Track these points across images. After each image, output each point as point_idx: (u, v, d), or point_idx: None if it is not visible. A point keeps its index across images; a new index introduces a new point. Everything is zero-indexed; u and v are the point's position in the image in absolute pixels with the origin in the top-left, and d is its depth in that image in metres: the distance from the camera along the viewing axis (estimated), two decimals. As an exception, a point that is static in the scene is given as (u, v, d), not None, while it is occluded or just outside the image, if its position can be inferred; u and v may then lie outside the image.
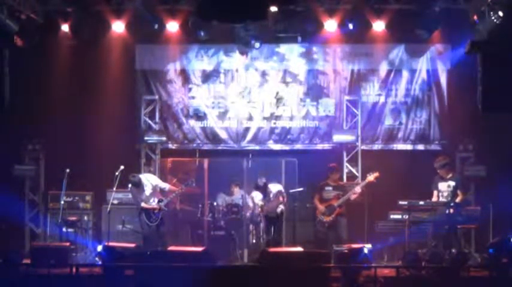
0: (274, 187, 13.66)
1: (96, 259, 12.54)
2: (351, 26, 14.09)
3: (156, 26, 14.15)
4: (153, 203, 13.07)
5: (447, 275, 11.47)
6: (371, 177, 13.31)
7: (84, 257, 13.35)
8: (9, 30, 12.66)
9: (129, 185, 13.16)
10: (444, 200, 12.74)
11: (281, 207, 13.50)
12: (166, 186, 13.38)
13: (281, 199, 13.52)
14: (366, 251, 11.85)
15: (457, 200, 12.65)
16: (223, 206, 13.90)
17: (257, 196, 13.72)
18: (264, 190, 13.68)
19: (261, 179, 13.74)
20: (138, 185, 13.10)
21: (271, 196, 13.58)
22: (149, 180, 13.28)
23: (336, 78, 15.16)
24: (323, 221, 13.32)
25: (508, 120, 13.27)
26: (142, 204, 13.05)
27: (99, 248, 12.38)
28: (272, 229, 13.48)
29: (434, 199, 12.89)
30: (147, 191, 13.13)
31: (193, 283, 10.87)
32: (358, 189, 13.33)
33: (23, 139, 14.37)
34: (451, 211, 12.43)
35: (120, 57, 14.83)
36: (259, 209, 13.59)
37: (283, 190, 13.70)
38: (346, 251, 12.06)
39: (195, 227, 14.17)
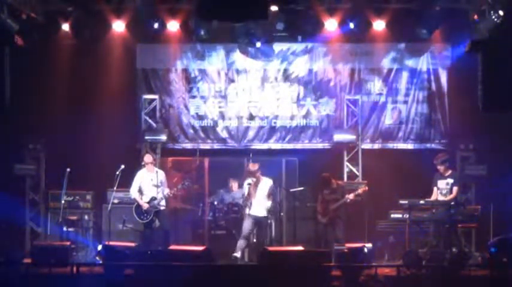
0: (267, 183, 13.00)
1: (97, 258, 12.54)
2: (351, 25, 14.16)
3: (156, 25, 14.18)
4: (146, 199, 13.05)
5: (447, 274, 11.47)
6: (360, 190, 13.37)
7: (85, 256, 13.37)
8: (9, 30, 12.64)
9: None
10: (443, 197, 12.75)
11: (269, 206, 12.95)
12: (167, 191, 13.21)
13: (271, 200, 13.00)
14: (366, 250, 11.86)
15: (451, 196, 12.67)
16: (223, 205, 13.89)
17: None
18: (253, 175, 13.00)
19: (253, 164, 13.12)
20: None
21: (265, 192, 12.93)
22: (159, 176, 13.19)
23: (336, 78, 15.15)
24: (320, 221, 13.46)
25: (508, 120, 13.26)
26: (133, 195, 13.07)
27: (100, 247, 12.40)
28: (255, 231, 12.93)
29: (433, 196, 12.88)
30: (150, 183, 13.09)
31: (194, 282, 10.87)
32: (351, 196, 13.35)
33: (24, 138, 14.37)
34: (452, 210, 12.46)
35: (121, 56, 14.82)
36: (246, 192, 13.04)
37: (273, 188, 13.14)
38: (346, 250, 12.06)
39: (196, 226, 14.18)
